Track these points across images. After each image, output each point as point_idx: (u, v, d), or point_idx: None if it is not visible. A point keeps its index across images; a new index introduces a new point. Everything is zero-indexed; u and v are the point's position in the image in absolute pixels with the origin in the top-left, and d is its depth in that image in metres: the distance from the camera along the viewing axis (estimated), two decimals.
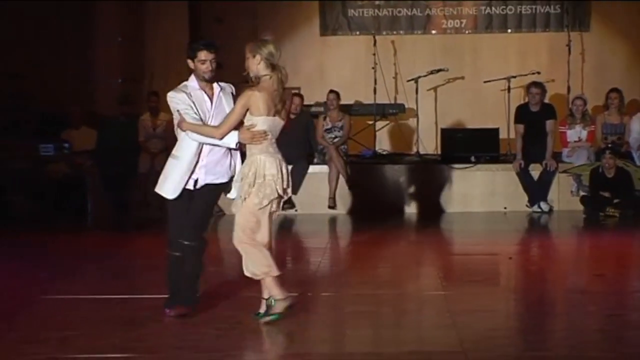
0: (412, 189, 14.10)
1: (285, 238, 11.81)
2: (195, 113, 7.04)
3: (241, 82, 7.22)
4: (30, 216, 13.73)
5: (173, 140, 7.38)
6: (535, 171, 13.81)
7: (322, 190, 13.75)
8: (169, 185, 7.17)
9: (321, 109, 14.95)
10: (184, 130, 7.05)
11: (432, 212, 13.77)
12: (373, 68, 15.46)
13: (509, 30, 16.71)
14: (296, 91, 14.78)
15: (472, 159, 14.09)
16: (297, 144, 13.40)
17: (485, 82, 15.56)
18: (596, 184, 13.34)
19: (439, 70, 15.62)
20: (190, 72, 7.23)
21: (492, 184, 14.04)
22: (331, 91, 14.47)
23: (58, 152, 14.51)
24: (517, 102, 14.61)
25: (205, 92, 7.17)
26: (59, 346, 6.53)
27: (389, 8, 16.73)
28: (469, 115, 15.84)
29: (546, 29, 16.62)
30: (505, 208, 13.85)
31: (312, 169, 13.79)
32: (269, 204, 6.95)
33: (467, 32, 16.77)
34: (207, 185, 7.21)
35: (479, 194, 14.04)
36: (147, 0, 16.42)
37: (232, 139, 6.96)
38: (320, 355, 6.52)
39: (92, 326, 7.09)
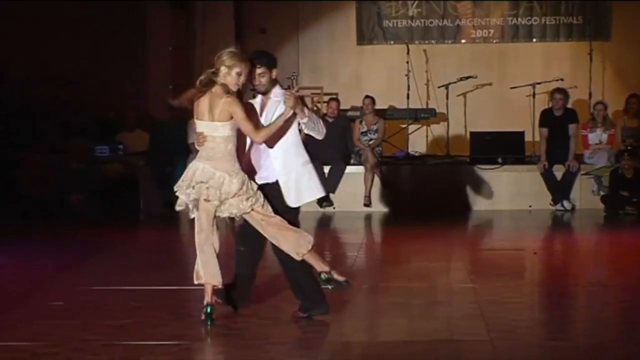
0: (442, 189, 14.10)
1: (323, 234, 11.86)
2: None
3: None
4: (87, 213, 13.87)
5: None
6: (558, 172, 13.77)
7: (358, 189, 13.79)
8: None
9: (357, 113, 14.97)
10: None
11: (461, 210, 13.77)
12: (406, 75, 15.45)
13: (534, 40, 16.63)
14: (334, 96, 14.86)
15: (499, 160, 14.07)
16: (335, 146, 13.47)
17: (511, 88, 15.56)
18: (616, 184, 13.29)
19: (468, 77, 15.61)
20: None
21: (518, 184, 14.02)
22: (367, 96, 14.50)
23: (113, 153, 14.66)
24: (541, 107, 14.56)
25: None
26: (116, 334, 6.58)
27: (421, 19, 16.70)
28: (496, 119, 15.77)
29: (569, 39, 16.53)
30: (530, 206, 13.81)
31: (349, 169, 13.85)
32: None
33: (494, 41, 16.71)
34: None
35: (505, 193, 14.02)
36: (195, 15, 16.50)
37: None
38: (357, 343, 6.57)
39: (145, 315, 7.16)
